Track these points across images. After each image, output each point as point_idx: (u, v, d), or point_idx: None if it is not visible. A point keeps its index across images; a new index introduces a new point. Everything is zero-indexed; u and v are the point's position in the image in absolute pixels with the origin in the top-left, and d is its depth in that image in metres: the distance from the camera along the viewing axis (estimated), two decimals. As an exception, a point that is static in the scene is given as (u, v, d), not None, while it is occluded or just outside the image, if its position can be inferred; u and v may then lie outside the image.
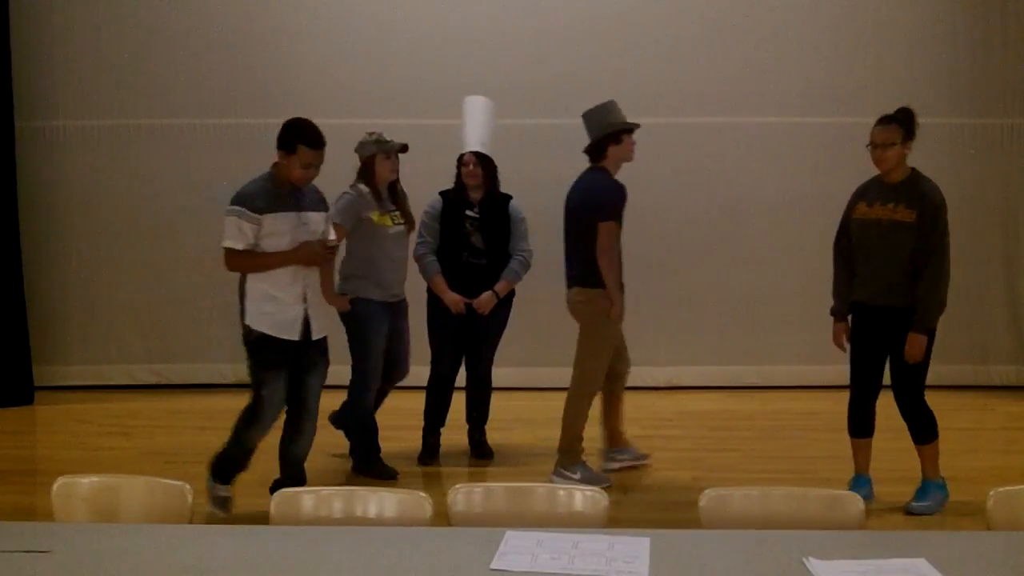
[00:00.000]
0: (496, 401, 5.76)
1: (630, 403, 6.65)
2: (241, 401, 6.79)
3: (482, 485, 2.70)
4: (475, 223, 5.41)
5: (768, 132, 6.88)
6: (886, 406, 4.68)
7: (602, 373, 5.08)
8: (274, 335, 4.45)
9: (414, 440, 5.78)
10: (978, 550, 2.37)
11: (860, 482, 4.75)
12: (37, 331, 7.04)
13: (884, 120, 4.50)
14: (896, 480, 4.84)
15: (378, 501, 2.63)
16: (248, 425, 4.54)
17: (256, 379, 4.52)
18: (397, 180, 5.28)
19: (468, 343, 5.56)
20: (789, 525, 2.53)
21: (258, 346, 4.47)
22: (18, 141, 6.88)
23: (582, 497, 2.67)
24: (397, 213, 5.22)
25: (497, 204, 5.47)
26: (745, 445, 5.67)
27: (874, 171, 4.57)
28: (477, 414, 5.66)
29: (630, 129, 5.01)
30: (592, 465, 5.09)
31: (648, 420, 6.23)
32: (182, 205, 7.15)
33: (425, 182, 7.08)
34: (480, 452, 5.62)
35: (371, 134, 5.26)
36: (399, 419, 6.34)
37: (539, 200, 6.57)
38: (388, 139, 5.20)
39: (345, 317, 5.17)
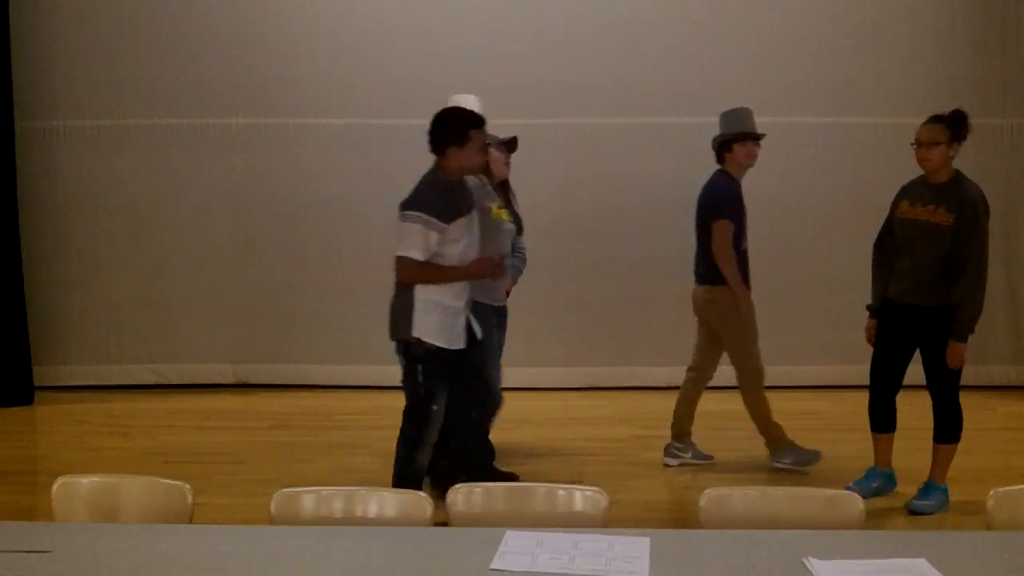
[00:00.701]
0: (507, 401, 5.76)
1: (630, 403, 6.68)
2: (241, 401, 6.83)
3: (482, 485, 2.70)
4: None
5: (767, 132, 6.87)
6: (904, 405, 4.69)
7: (757, 357, 5.16)
8: (448, 347, 4.22)
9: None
10: (978, 550, 2.37)
11: (871, 474, 4.75)
12: (37, 331, 7.04)
13: (931, 119, 4.45)
14: (899, 480, 4.85)
15: (378, 501, 2.64)
16: (416, 446, 4.31)
17: (425, 393, 4.24)
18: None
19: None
20: (789, 525, 2.53)
21: (429, 359, 4.20)
22: (18, 141, 6.87)
23: (582, 497, 2.67)
24: (508, 210, 5.06)
25: None
26: (745, 445, 5.66)
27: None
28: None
29: (742, 139, 5.13)
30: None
31: (648, 420, 6.22)
32: (182, 205, 7.15)
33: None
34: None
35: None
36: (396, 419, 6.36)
37: (538, 200, 6.59)
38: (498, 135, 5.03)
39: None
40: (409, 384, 4.29)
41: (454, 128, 4.18)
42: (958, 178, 4.45)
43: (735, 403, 6.28)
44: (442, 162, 4.23)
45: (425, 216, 4.08)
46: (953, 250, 4.35)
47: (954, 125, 4.40)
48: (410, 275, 4.16)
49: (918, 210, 4.47)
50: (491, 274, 4.32)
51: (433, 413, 4.27)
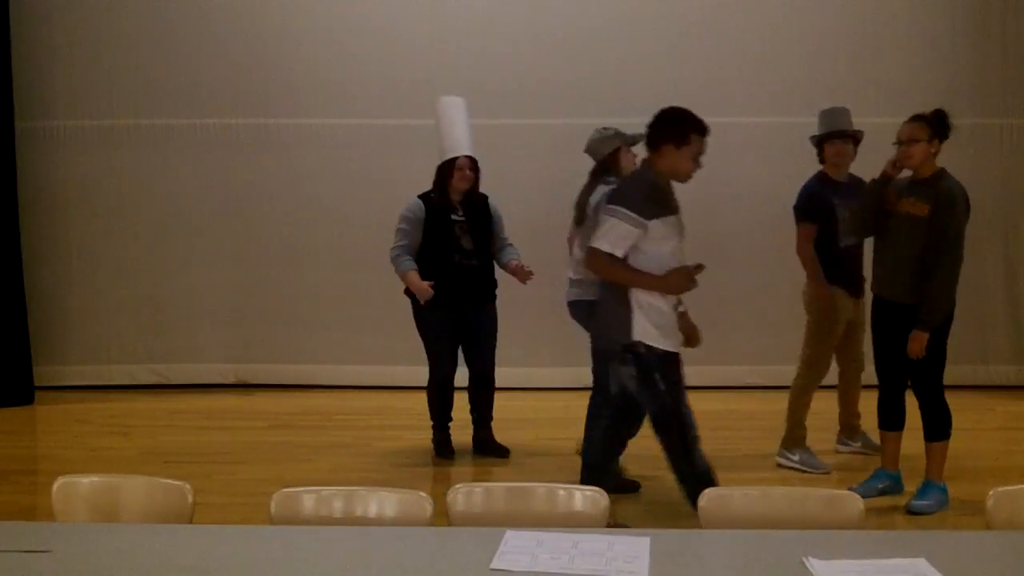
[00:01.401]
0: (496, 401, 5.76)
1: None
2: (241, 401, 6.83)
3: (482, 485, 2.70)
4: (463, 225, 5.38)
5: (767, 132, 6.87)
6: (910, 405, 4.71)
7: (825, 365, 5.23)
8: (673, 350, 4.07)
9: (414, 440, 5.79)
10: (978, 550, 2.37)
11: (878, 475, 4.76)
12: (37, 331, 7.04)
13: (912, 118, 4.51)
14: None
15: (378, 501, 2.63)
16: (687, 453, 4.12)
17: (671, 400, 4.08)
18: None
19: (464, 342, 5.54)
20: (789, 525, 2.53)
21: (662, 363, 4.02)
22: (18, 141, 6.88)
23: (582, 497, 2.67)
24: None
25: (478, 204, 5.45)
26: (745, 445, 5.66)
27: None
28: (479, 414, 5.64)
29: (829, 138, 5.16)
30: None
31: (648, 420, 6.22)
32: (182, 204, 7.15)
33: (424, 181, 7.11)
34: (488, 449, 5.59)
35: (605, 129, 5.11)
36: (396, 419, 6.36)
37: (537, 201, 6.59)
38: (624, 132, 5.05)
39: None
40: (650, 395, 4.08)
41: (676, 127, 4.02)
42: (940, 174, 4.50)
43: (734, 403, 6.30)
44: (654, 159, 4.06)
45: (624, 211, 3.93)
46: (928, 242, 4.38)
47: (935, 123, 4.46)
48: (599, 268, 4.02)
49: (901, 203, 4.53)
50: (686, 288, 4.04)
51: (685, 415, 4.11)
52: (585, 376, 7.08)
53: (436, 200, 5.39)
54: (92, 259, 7.18)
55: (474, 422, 5.67)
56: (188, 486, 2.66)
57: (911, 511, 4.57)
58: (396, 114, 7.02)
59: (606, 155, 5.04)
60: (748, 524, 2.52)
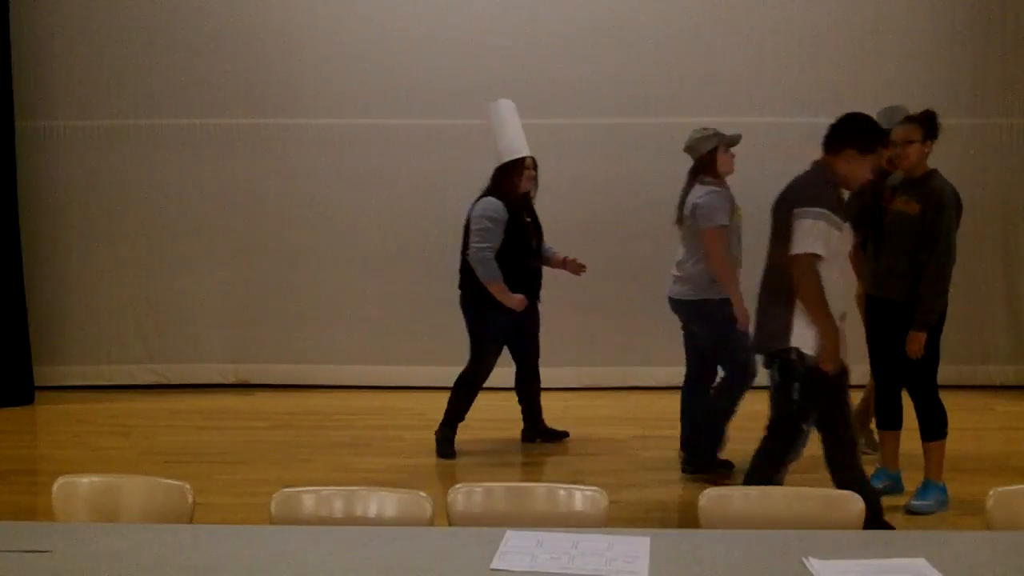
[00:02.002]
0: (497, 401, 5.77)
1: (631, 403, 6.68)
2: (241, 401, 6.82)
3: (482, 485, 2.70)
4: (531, 227, 5.46)
5: (767, 132, 6.85)
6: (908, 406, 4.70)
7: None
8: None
9: (413, 440, 5.79)
10: (978, 550, 2.37)
11: (877, 475, 4.76)
12: (37, 331, 7.04)
13: (905, 119, 4.55)
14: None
15: (378, 501, 2.64)
16: (780, 464, 4.06)
17: (797, 411, 3.98)
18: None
19: (513, 338, 5.60)
20: (789, 525, 2.53)
21: (807, 375, 3.89)
22: (18, 141, 6.88)
23: (582, 497, 2.67)
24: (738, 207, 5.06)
25: (531, 205, 5.54)
26: (745, 445, 5.65)
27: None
28: (535, 405, 5.75)
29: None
30: None
31: (649, 420, 6.23)
32: (182, 204, 7.15)
33: (423, 181, 7.12)
34: (551, 435, 5.73)
35: (705, 129, 5.10)
36: (396, 419, 6.36)
37: (541, 201, 6.56)
38: (723, 132, 5.06)
39: (714, 319, 5.02)
40: (781, 399, 3.99)
41: (865, 135, 3.92)
42: (932, 174, 4.52)
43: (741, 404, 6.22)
44: (833, 162, 3.93)
45: (819, 209, 3.79)
46: (920, 241, 4.39)
47: (926, 124, 4.48)
48: (808, 275, 3.81)
49: (894, 201, 4.55)
50: (834, 365, 3.87)
51: (802, 433, 4.02)
52: (586, 376, 7.13)
53: (514, 201, 5.38)
54: (92, 259, 7.18)
55: (529, 414, 5.75)
56: (188, 486, 2.66)
57: (911, 511, 4.58)
58: (396, 114, 7.02)
59: (704, 154, 5.04)
60: (748, 524, 2.52)
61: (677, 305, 5.20)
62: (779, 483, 3.98)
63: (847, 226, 3.95)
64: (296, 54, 7.04)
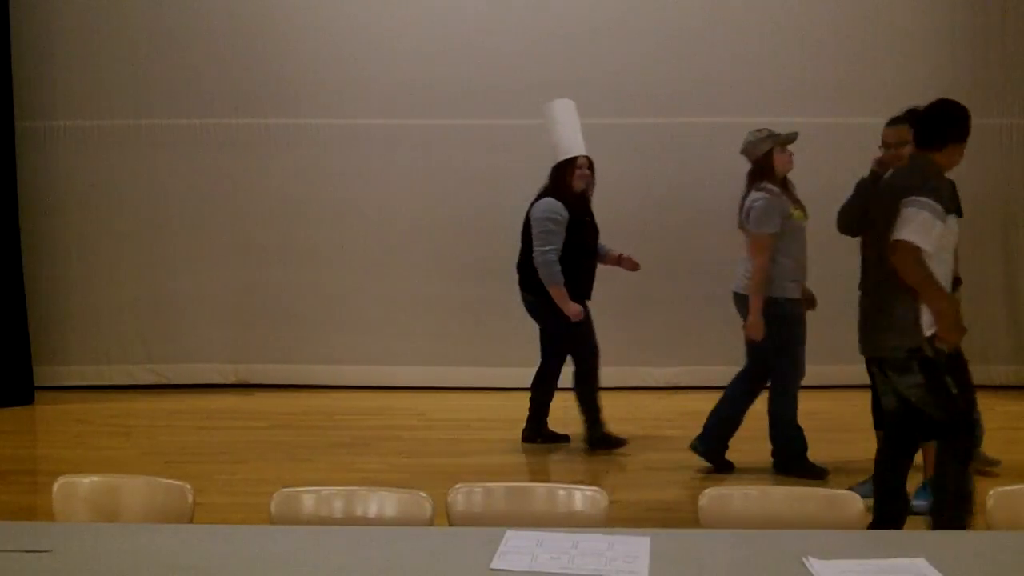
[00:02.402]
0: (495, 400, 5.77)
1: (631, 403, 6.67)
2: (241, 401, 6.81)
3: (482, 485, 2.70)
4: (589, 226, 5.48)
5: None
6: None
7: None
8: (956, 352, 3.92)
9: (413, 440, 5.78)
10: (978, 550, 2.37)
11: None
12: (37, 331, 7.04)
13: (896, 121, 4.52)
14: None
15: (378, 501, 2.63)
16: (967, 460, 3.90)
17: (964, 403, 3.92)
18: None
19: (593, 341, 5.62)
20: (789, 525, 2.53)
21: (950, 365, 3.84)
22: (18, 141, 6.87)
23: (582, 497, 2.67)
24: (802, 205, 5.07)
25: (588, 204, 5.53)
26: (745, 445, 5.66)
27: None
28: (545, 405, 5.72)
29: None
30: None
31: (649, 420, 6.23)
32: (182, 205, 7.15)
33: (423, 181, 7.12)
34: (555, 438, 5.70)
35: (760, 130, 5.11)
36: (396, 419, 6.36)
37: (529, 201, 6.53)
38: (778, 132, 5.07)
39: (777, 319, 5.02)
40: (941, 401, 3.84)
41: (959, 125, 3.86)
42: None
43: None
44: (936, 157, 3.86)
45: (934, 204, 3.70)
46: None
47: (913, 123, 4.48)
48: (908, 264, 3.71)
49: None
50: (956, 338, 3.81)
51: (977, 422, 4.01)
52: (614, 374, 7.08)
53: (571, 200, 5.40)
54: (92, 259, 7.18)
55: (536, 414, 5.75)
56: (188, 486, 2.66)
57: (911, 511, 4.57)
58: (395, 114, 7.02)
59: (760, 157, 5.06)
60: (748, 524, 2.52)
61: (738, 300, 5.21)
62: (970, 481, 3.86)
63: (952, 219, 3.85)
64: (296, 55, 7.05)
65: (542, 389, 5.73)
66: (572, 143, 5.40)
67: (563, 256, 5.34)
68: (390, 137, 7.05)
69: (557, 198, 5.37)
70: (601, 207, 6.99)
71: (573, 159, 5.37)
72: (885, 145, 4.52)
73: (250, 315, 7.21)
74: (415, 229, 7.06)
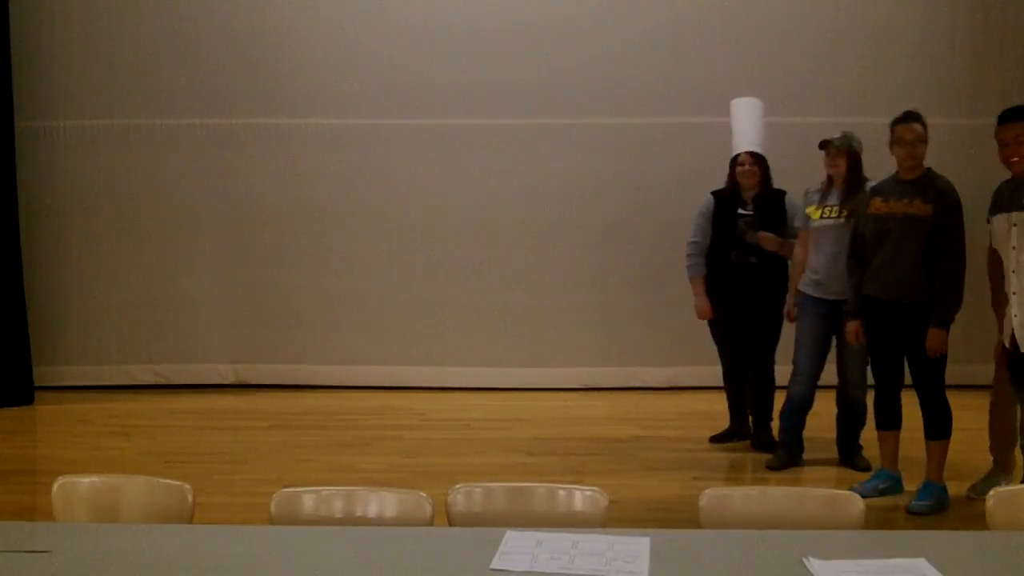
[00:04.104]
0: (495, 400, 5.75)
1: (630, 403, 6.68)
2: (241, 401, 6.82)
3: (482, 485, 2.70)
4: (749, 220, 5.44)
5: (767, 133, 6.87)
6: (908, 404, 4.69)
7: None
8: None
9: (413, 440, 5.78)
10: (978, 550, 2.37)
11: (879, 476, 4.77)
12: (37, 331, 7.04)
13: (909, 119, 4.52)
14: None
15: (378, 501, 2.63)
16: None
17: None
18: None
19: (745, 339, 5.58)
20: (789, 525, 2.53)
21: None
22: (18, 141, 6.88)
23: (582, 497, 2.66)
24: (833, 207, 5.09)
25: (773, 201, 5.50)
26: (745, 445, 5.67)
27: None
28: (754, 412, 5.65)
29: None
30: None
31: (648, 420, 6.23)
32: (182, 205, 7.15)
33: (422, 181, 7.12)
34: (765, 446, 5.55)
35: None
36: (396, 419, 6.35)
37: (537, 201, 6.55)
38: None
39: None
40: None
41: None
42: (931, 173, 4.55)
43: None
44: None
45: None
46: (932, 241, 4.40)
47: (923, 123, 4.53)
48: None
49: (893, 204, 4.52)
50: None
51: None
52: (586, 377, 7.11)
53: (725, 195, 5.51)
54: (92, 259, 7.18)
55: (734, 414, 5.77)
56: (188, 486, 2.66)
57: (911, 511, 4.57)
58: (396, 114, 7.03)
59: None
60: (748, 524, 2.52)
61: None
62: None
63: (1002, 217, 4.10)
64: (296, 54, 7.05)
65: (727, 388, 5.83)
66: (740, 139, 5.52)
67: (711, 249, 5.52)
68: (390, 137, 7.06)
69: (716, 192, 5.54)
70: (604, 209, 7.01)
71: (736, 156, 5.50)
72: (902, 141, 4.49)
73: (250, 315, 7.21)
74: (415, 229, 7.07)
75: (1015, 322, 4.11)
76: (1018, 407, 4.57)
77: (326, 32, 7.04)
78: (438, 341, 7.07)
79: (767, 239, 5.35)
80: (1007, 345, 4.22)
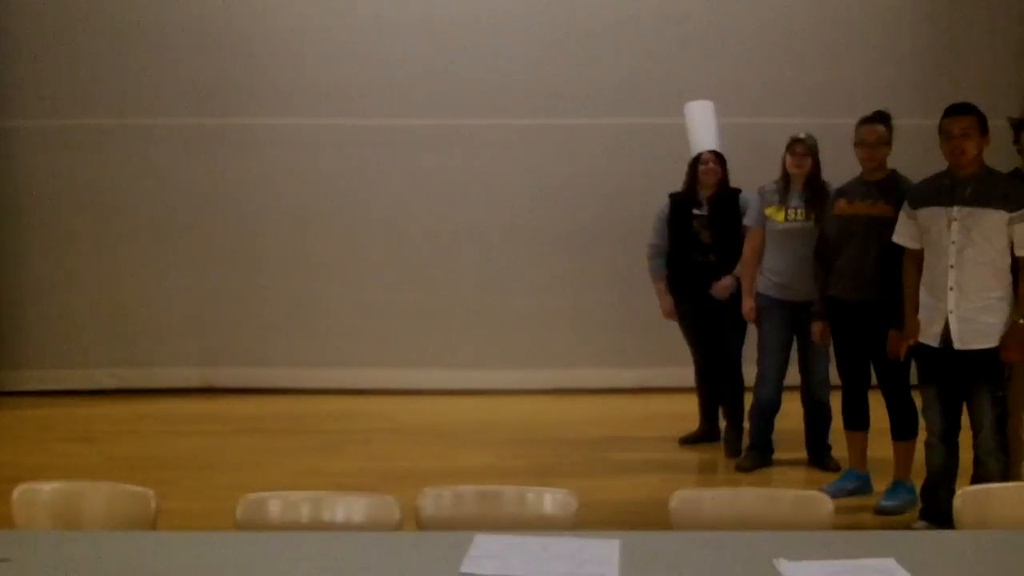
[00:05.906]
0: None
1: (600, 405, 6.68)
2: (207, 405, 6.74)
3: (451, 489, 2.68)
4: (703, 220, 5.47)
5: (758, 133, 6.85)
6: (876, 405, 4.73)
7: None
8: None
9: (382, 443, 5.74)
10: (946, 550, 2.39)
11: (848, 476, 4.81)
12: (-3, 335, 6.94)
13: (872, 120, 4.57)
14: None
15: (346, 505, 2.61)
16: None
17: None
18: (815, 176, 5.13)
19: (712, 335, 5.58)
20: (759, 526, 2.53)
21: None
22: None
23: (552, 500, 2.65)
24: (798, 209, 5.08)
25: (728, 199, 5.50)
26: (716, 447, 5.69)
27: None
28: (724, 407, 5.66)
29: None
30: None
31: (619, 422, 6.23)
32: (144, 208, 7.07)
33: (386, 183, 7.09)
34: (732, 451, 5.51)
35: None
36: (364, 422, 6.32)
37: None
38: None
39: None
40: None
41: None
42: (895, 175, 4.58)
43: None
44: None
45: None
46: (891, 242, 4.39)
47: (889, 124, 4.57)
48: None
49: (856, 205, 4.56)
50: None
51: None
52: (556, 378, 7.10)
53: (680, 196, 5.55)
54: (53, 262, 7.08)
55: (704, 414, 5.81)
56: (152, 492, 2.63)
57: (879, 511, 4.60)
58: (372, 115, 6.98)
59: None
60: (718, 525, 2.52)
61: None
62: None
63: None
64: (270, 54, 6.97)
65: (699, 386, 5.86)
66: (700, 140, 5.57)
67: (670, 250, 5.57)
68: (362, 139, 7.02)
69: (672, 195, 5.59)
70: (596, 209, 6.96)
71: (697, 156, 5.54)
72: (864, 143, 4.54)
73: (215, 318, 7.14)
74: (379, 232, 7.03)
75: (951, 317, 4.08)
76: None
77: (301, 33, 6.96)
78: (407, 344, 7.04)
79: (723, 288, 5.42)
80: (935, 344, 4.13)
